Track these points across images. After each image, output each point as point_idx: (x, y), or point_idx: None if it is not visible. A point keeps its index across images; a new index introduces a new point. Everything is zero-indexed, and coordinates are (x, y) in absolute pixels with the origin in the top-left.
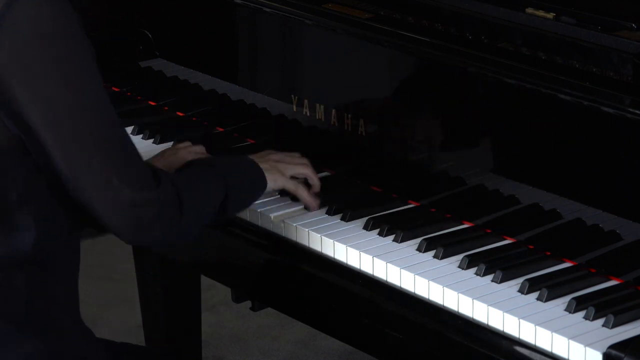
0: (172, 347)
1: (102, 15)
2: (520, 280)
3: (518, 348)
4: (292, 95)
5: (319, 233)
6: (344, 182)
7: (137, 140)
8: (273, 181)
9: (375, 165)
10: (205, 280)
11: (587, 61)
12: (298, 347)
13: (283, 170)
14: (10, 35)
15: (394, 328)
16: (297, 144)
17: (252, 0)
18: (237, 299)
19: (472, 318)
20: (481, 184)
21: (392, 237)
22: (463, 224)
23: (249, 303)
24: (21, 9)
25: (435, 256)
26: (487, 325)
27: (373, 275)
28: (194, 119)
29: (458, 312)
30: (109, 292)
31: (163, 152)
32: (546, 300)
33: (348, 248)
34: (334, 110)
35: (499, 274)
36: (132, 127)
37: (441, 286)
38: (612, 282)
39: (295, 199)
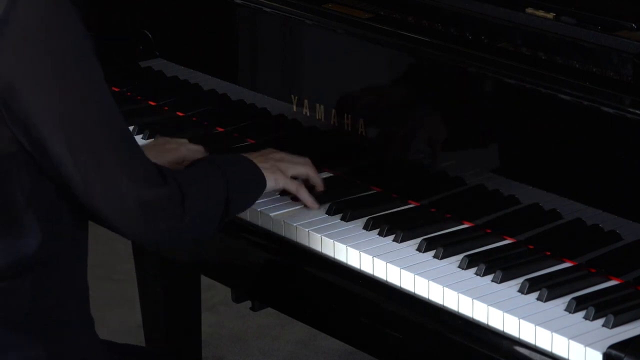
0: (172, 347)
1: (102, 15)
2: (520, 280)
3: (518, 348)
4: (292, 95)
5: (319, 233)
6: (344, 182)
7: (137, 140)
8: (274, 181)
9: (375, 165)
10: (205, 280)
11: (587, 61)
12: (298, 347)
13: (284, 170)
14: (13, 41)
15: (394, 328)
16: (297, 144)
17: (252, 0)
18: (237, 299)
19: (472, 318)
20: (481, 184)
21: (392, 237)
22: (463, 224)
23: (249, 303)
24: (23, 13)
25: (435, 256)
26: (487, 325)
27: (373, 275)
28: (194, 119)
29: (458, 312)
30: (109, 292)
31: (163, 144)
32: (546, 300)
33: (348, 248)
34: (334, 110)
35: (499, 274)
36: (132, 127)
37: (441, 286)
38: (612, 282)
39: (295, 198)
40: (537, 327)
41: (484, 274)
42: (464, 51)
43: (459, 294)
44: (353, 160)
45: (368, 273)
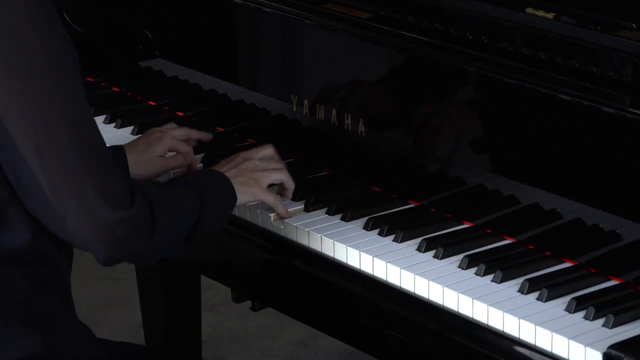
0: (172, 347)
1: (102, 15)
2: (520, 280)
3: (518, 348)
4: (292, 95)
5: (319, 233)
6: (344, 182)
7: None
8: (252, 195)
9: (375, 165)
10: (205, 280)
11: (587, 61)
12: (298, 347)
13: (260, 180)
14: None
15: (394, 328)
16: (297, 144)
17: (252, 0)
18: (237, 299)
19: (472, 318)
20: (481, 184)
21: (392, 237)
22: (463, 224)
23: (249, 303)
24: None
25: (435, 256)
26: (487, 325)
27: (373, 275)
28: (194, 119)
29: (458, 312)
30: (109, 292)
31: (149, 135)
32: (546, 300)
33: (348, 248)
34: (334, 110)
35: (499, 274)
36: (132, 127)
37: (441, 286)
38: (612, 282)
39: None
40: (537, 327)
41: (484, 274)
42: (464, 51)
43: (459, 294)
44: (353, 160)
45: (368, 273)
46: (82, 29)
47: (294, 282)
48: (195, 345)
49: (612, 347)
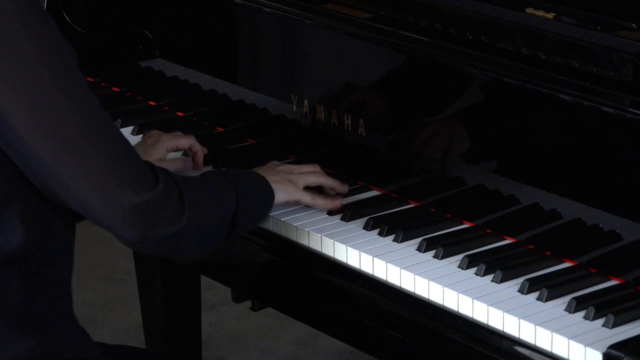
0: (172, 347)
1: (102, 15)
2: (520, 280)
3: (518, 348)
4: (292, 95)
5: (319, 233)
6: (344, 182)
7: (137, 140)
8: (287, 194)
9: (375, 165)
10: (205, 280)
11: (587, 61)
12: (298, 347)
13: (295, 181)
14: None
15: (394, 328)
16: (297, 144)
17: (252, 0)
18: (237, 299)
19: (472, 318)
20: (481, 184)
21: (392, 237)
22: (463, 224)
23: (249, 303)
24: None
25: (435, 256)
26: (487, 325)
27: (373, 275)
28: (194, 119)
29: (458, 312)
30: (109, 292)
31: (145, 140)
32: (546, 300)
33: (348, 248)
34: (334, 110)
35: (499, 274)
36: (132, 127)
37: (441, 286)
38: (612, 282)
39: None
40: (537, 327)
41: (484, 274)
42: (464, 51)
43: (459, 294)
44: (353, 160)
45: (368, 273)
46: (82, 29)
47: (294, 282)
48: (195, 345)
49: (612, 347)
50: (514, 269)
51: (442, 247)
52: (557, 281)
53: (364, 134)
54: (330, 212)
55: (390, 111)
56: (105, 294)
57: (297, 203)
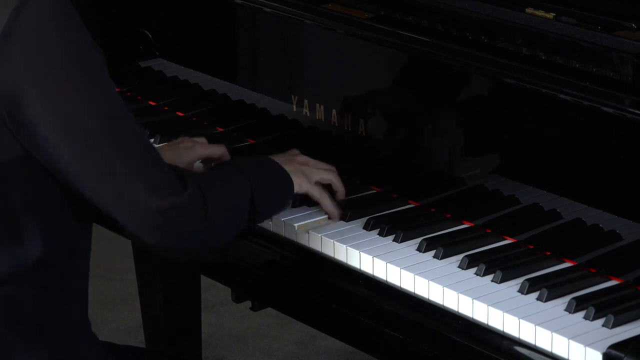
0: (172, 347)
1: (102, 15)
2: (520, 280)
3: (518, 348)
4: (292, 95)
5: (319, 233)
6: (344, 182)
7: None
8: (298, 185)
9: (375, 165)
10: (205, 280)
11: (587, 61)
12: (298, 347)
13: (308, 174)
14: (21, 46)
15: (394, 328)
16: (297, 144)
17: (252, 0)
18: (237, 299)
19: (472, 318)
20: (481, 184)
21: (392, 237)
22: (463, 224)
23: (249, 303)
24: (27, 26)
25: (435, 256)
26: (487, 325)
27: (373, 275)
28: (194, 119)
29: (458, 312)
30: (109, 292)
31: (178, 143)
32: (546, 300)
33: (348, 248)
34: (334, 110)
35: (499, 274)
36: None
37: (441, 286)
38: (612, 282)
39: (314, 203)
40: (537, 327)
41: (484, 274)
42: (464, 51)
43: (459, 294)
44: (353, 160)
45: (368, 273)
46: None
47: (294, 282)
48: (195, 345)
49: (612, 347)
50: (514, 269)
51: (442, 247)
52: (557, 281)
53: (364, 134)
54: (329, 217)
55: (390, 111)
56: (105, 294)
57: (297, 203)
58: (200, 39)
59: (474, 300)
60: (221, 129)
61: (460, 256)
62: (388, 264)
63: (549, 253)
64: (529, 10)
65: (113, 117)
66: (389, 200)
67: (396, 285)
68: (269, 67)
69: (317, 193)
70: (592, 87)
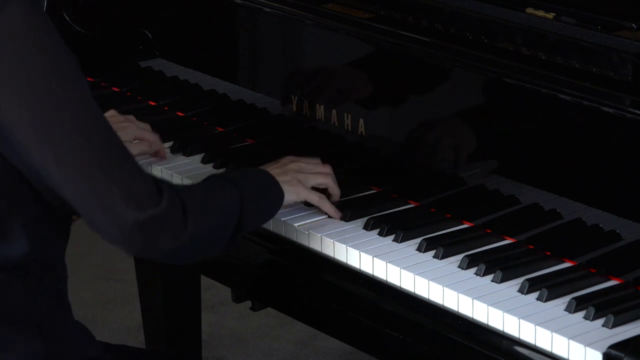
0: (172, 347)
1: (102, 15)
2: (520, 280)
3: (518, 348)
4: (292, 95)
5: (319, 233)
6: (344, 182)
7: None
8: (295, 194)
9: (375, 165)
10: (205, 280)
11: (587, 61)
12: (298, 347)
13: (304, 181)
14: None
15: (394, 328)
16: (297, 144)
17: (252, 0)
18: (237, 299)
19: (472, 318)
20: (481, 184)
21: (392, 237)
22: (463, 224)
23: (249, 303)
24: (3, 25)
25: (435, 256)
26: (487, 325)
27: (373, 275)
28: (194, 119)
29: (458, 312)
30: (109, 292)
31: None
32: (546, 300)
33: (348, 248)
34: (334, 110)
35: (499, 274)
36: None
37: (441, 286)
38: (612, 282)
39: (312, 205)
40: (537, 327)
41: (484, 274)
42: (464, 51)
43: (459, 294)
44: (353, 160)
45: (368, 273)
46: (82, 29)
47: (294, 282)
48: (195, 345)
49: (612, 347)
50: (514, 269)
51: (442, 247)
52: (557, 281)
53: (364, 134)
54: (329, 217)
55: (390, 111)
56: (105, 294)
57: (298, 203)
58: (200, 39)
59: (474, 300)
60: (221, 129)
61: (460, 256)
62: (388, 264)
63: (549, 253)
64: (529, 10)
65: (87, 123)
66: (389, 200)
67: (396, 285)
68: (269, 67)
69: (315, 199)
70: (592, 87)
